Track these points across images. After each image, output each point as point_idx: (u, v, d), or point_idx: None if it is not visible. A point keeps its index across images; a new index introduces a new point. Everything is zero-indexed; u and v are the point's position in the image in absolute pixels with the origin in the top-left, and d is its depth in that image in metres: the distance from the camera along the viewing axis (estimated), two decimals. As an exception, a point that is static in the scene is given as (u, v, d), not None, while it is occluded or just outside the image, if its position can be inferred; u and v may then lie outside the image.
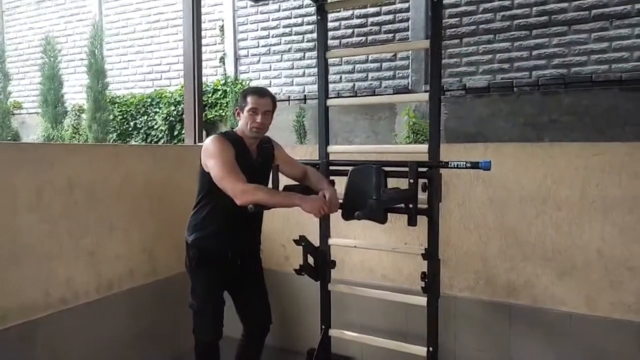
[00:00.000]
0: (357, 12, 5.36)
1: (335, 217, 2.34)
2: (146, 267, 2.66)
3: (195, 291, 2.21)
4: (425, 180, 2.11)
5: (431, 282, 2.16)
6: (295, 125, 5.37)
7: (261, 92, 2.15)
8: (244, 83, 5.98)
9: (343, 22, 5.43)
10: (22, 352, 2.06)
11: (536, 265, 2.31)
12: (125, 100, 6.71)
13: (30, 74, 7.66)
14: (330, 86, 4.85)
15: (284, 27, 5.80)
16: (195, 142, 3.25)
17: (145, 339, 2.62)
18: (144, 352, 2.62)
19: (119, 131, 6.66)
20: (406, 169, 2.09)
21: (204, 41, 3.95)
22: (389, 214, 2.15)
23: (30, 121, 7.54)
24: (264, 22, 5.93)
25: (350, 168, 2.27)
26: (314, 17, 2.56)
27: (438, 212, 2.18)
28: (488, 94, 4.70)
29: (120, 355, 2.48)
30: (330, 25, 3.05)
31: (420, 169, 2.10)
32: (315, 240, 2.44)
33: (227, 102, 5.98)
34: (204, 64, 3.79)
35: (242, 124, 2.14)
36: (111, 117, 6.55)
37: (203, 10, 4.19)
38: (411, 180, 2.06)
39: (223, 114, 6.02)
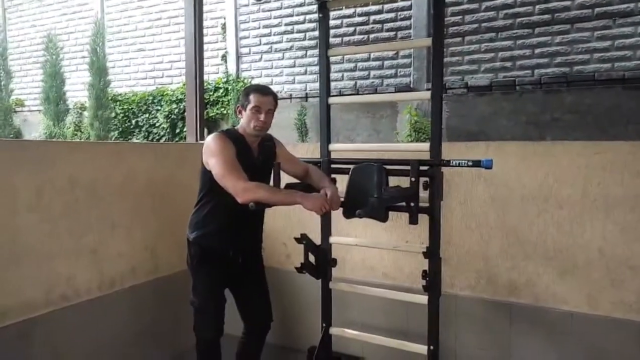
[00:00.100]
0: (359, 10, 5.35)
1: (337, 215, 2.34)
2: (148, 265, 2.67)
3: (196, 289, 2.21)
4: (427, 179, 2.11)
5: (432, 281, 2.16)
6: (297, 123, 5.37)
7: (264, 91, 2.15)
8: (245, 81, 5.98)
9: (345, 20, 5.42)
10: (22, 349, 2.07)
11: (537, 264, 2.31)
12: (127, 98, 6.71)
13: (33, 71, 7.67)
14: (332, 84, 4.83)
15: (286, 24, 5.80)
16: (197, 140, 3.25)
17: (146, 336, 2.63)
18: (145, 349, 2.62)
19: (120, 129, 6.67)
20: (408, 167, 2.08)
21: (205, 39, 3.95)
22: (390, 212, 2.15)
23: (32, 119, 7.55)
24: (265, 19, 5.93)
25: (351, 166, 2.27)
26: (316, 15, 2.55)
27: (439, 211, 2.17)
28: (490, 92, 4.70)
29: (122, 352, 2.49)
30: (332, 23, 3.04)
31: (421, 168, 2.10)
32: (317, 239, 2.44)
33: (228, 100, 5.98)
34: (205, 61, 3.80)
35: (245, 122, 2.14)
36: (113, 114, 6.55)
37: (205, 7, 4.20)
38: (412, 179, 2.06)
39: (225, 111, 6.02)
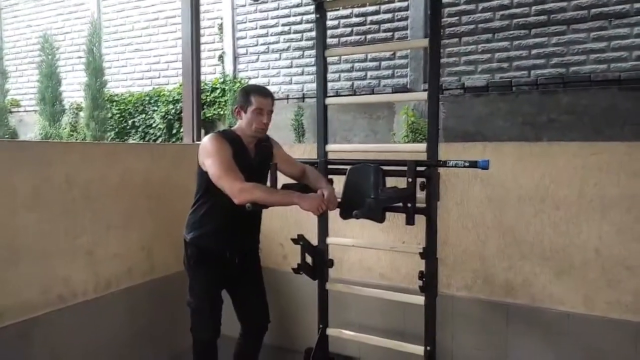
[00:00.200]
0: (356, 10, 5.35)
1: (334, 216, 2.34)
2: (144, 266, 2.66)
3: (193, 289, 2.21)
4: (424, 179, 2.11)
5: (429, 281, 2.16)
6: (294, 124, 5.37)
7: (265, 93, 2.14)
8: (242, 81, 5.97)
9: (342, 21, 5.42)
10: (21, 350, 2.06)
11: (534, 265, 2.31)
12: (124, 99, 6.70)
13: (28, 71, 7.65)
14: (329, 85, 4.86)
15: (283, 25, 5.80)
16: (193, 141, 3.24)
17: (143, 337, 2.62)
18: (142, 350, 2.62)
19: (117, 129, 6.65)
20: (404, 168, 2.08)
21: (202, 39, 3.95)
22: (387, 213, 2.15)
23: (28, 119, 7.52)
24: (263, 20, 5.92)
25: (348, 167, 2.27)
26: (313, 16, 2.55)
27: (436, 211, 2.18)
28: (487, 93, 4.70)
29: (119, 353, 2.48)
30: (329, 23, 3.04)
31: (418, 168, 2.09)
32: (314, 239, 2.44)
33: (225, 101, 5.97)
34: (202, 62, 3.79)
35: (245, 123, 2.13)
36: (109, 115, 6.54)
37: (202, 8, 4.19)
38: (409, 179, 2.06)
39: (222, 112, 6.01)
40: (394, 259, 2.62)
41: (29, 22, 7.71)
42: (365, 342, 2.46)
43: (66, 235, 2.25)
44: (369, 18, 5.32)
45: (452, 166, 2.06)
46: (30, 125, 7.35)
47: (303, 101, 5.64)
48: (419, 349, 2.22)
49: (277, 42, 5.85)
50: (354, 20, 5.38)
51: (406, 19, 5.11)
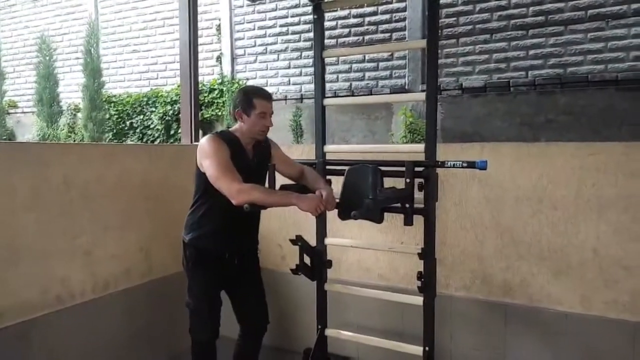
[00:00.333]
0: (354, 11, 5.36)
1: (332, 217, 2.34)
2: (142, 267, 2.65)
3: (192, 290, 2.20)
4: (422, 180, 2.11)
5: (427, 282, 2.17)
6: (292, 125, 5.37)
7: (268, 96, 2.15)
8: (240, 82, 5.97)
9: (340, 22, 5.42)
10: (19, 351, 2.06)
11: (532, 265, 2.31)
12: (121, 100, 6.68)
13: (26, 72, 7.63)
14: (327, 85, 4.85)
15: (281, 26, 5.80)
16: (191, 142, 3.24)
17: (141, 338, 2.62)
18: (140, 351, 2.61)
19: (114, 130, 6.64)
20: (403, 168, 2.09)
21: (200, 40, 3.95)
22: (385, 214, 2.15)
23: (26, 120, 7.50)
24: (260, 21, 5.92)
25: (346, 167, 2.27)
26: (311, 17, 2.55)
27: (434, 212, 2.18)
28: (484, 93, 4.71)
29: (117, 355, 2.47)
30: (327, 24, 3.04)
31: (416, 169, 2.10)
32: (312, 240, 2.44)
33: (223, 102, 5.96)
34: (200, 63, 3.78)
35: (248, 126, 2.13)
36: (107, 116, 6.52)
37: (199, 9, 4.18)
38: (407, 180, 2.06)
39: (219, 113, 6.01)
40: (392, 259, 2.62)
41: (26, 23, 7.69)
42: (364, 342, 2.46)
43: (64, 236, 2.25)
44: (367, 19, 5.32)
45: (450, 167, 2.07)
46: (27, 127, 7.33)
47: (301, 102, 5.64)
48: (418, 349, 2.22)
49: (275, 43, 5.85)
50: (352, 21, 5.39)
51: (404, 19, 5.11)
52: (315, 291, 2.52)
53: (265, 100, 2.13)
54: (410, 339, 2.34)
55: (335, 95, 5.35)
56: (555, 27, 4.47)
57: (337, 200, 2.18)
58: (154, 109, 6.34)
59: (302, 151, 2.79)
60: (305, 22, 5.60)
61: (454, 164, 2.05)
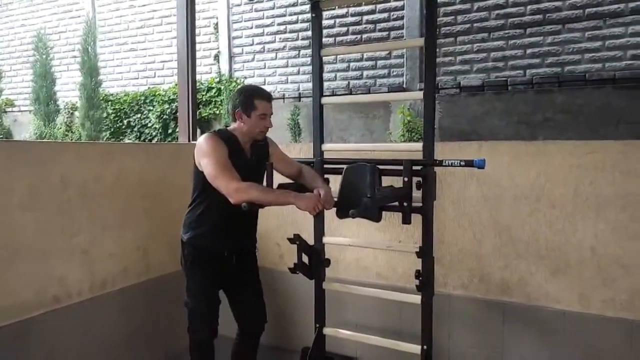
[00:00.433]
0: (351, 10, 5.35)
1: (330, 216, 2.34)
2: (140, 266, 2.65)
3: (190, 289, 2.20)
4: (420, 179, 2.11)
5: (425, 280, 2.17)
6: (290, 124, 5.37)
7: (268, 96, 2.15)
8: (238, 81, 5.96)
9: (338, 20, 5.42)
10: (16, 350, 2.05)
11: (530, 263, 2.32)
12: (119, 98, 6.67)
13: (23, 71, 7.61)
14: (325, 84, 4.86)
15: (279, 24, 5.79)
16: (189, 140, 3.24)
17: (139, 337, 2.61)
18: (138, 351, 2.61)
19: (112, 129, 6.63)
20: (401, 167, 2.08)
21: (198, 39, 3.93)
22: (383, 212, 2.15)
23: (23, 119, 7.48)
24: (258, 19, 5.91)
25: (344, 166, 2.27)
26: (309, 15, 2.54)
27: (432, 210, 2.18)
28: (482, 92, 4.72)
29: (115, 354, 2.47)
30: (325, 23, 3.04)
31: (414, 167, 2.10)
32: (310, 239, 2.43)
33: (221, 100, 5.96)
34: (198, 61, 3.78)
35: (249, 127, 2.13)
36: (104, 115, 6.51)
37: (197, 7, 4.17)
38: (405, 179, 2.06)
39: (217, 111, 6.00)
40: (390, 258, 2.62)
41: (23, 22, 7.67)
42: (362, 341, 2.46)
43: (62, 235, 2.24)
44: (365, 17, 5.32)
45: (448, 165, 2.07)
46: (24, 125, 7.31)
47: (299, 101, 5.63)
48: (416, 348, 2.22)
49: (273, 42, 5.84)
50: (350, 19, 5.38)
51: (402, 18, 5.11)
52: (313, 290, 2.52)
53: (266, 101, 2.13)
54: (408, 338, 2.34)
55: (334, 94, 5.35)
56: (553, 25, 4.48)
57: (335, 199, 2.18)
58: (151, 108, 6.33)
59: (300, 150, 2.79)
60: (303, 21, 5.60)
61: (451, 163, 2.05)
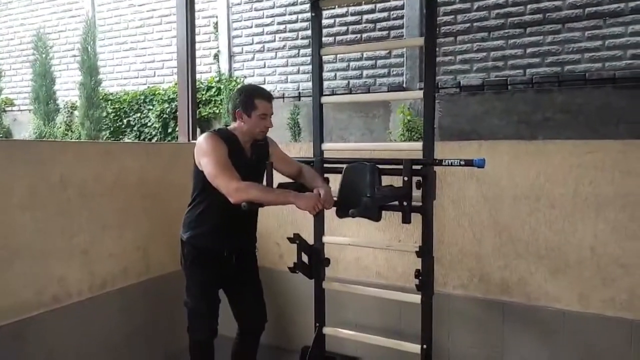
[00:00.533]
0: (351, 9, 5.35)
1: (330, 215, 2.34)
2: (140, 266, 2.65)
3: (190, 289, 2.20)
4: (420, 178, 2.11)
5: (425, 280, 2.17)
6: (290, 123, 5.36)
7: (269, 96, 2.15)
8: (238, 80, 5.96)
9: (337, 19, 5.41)
10: (16, 350, 2.05)
11: (530, 263, 2.32)
12: (119, 98, 6.67)
13: (22, 70, 7.60)
14: (325, 83, 4.85)
15: (279, 24, 5.78)
16: (189, 140, 3.23)
17: (139, 337, 2.61)
18: (138, 350, 2.61)
19: (112, 128, 6.62)
20: (400, 166, 2.08)
21: (197, 38, 3.93)
22: (383, 212, 2.15)
23: (22, 118, 7.48)
24: (258, 19, 5.91)
25: (344, 166, 2.27)
26: (309, 14, 2.54)
27: (432, 210, 2.18)
28: (482, 91, 4.71)
29: (114, 354, 2.47)
30: (324, 22, 3.03)
31: (414, 167, 2.10)
32: (310, 238, 2.43)
33: (221, 100, 5.95)
34: (198, 60, 3.78)
35: (249, 126, 2.13)
36: (104, 114, 6.50)
37: (197, 6, 4.17)
38: (405, 178, 2.06)
39: (217, 111, 6.00)
40: (390, 257, 2.62)
41: (22, 21, 7.66)
42: (362, 340, 2.46)
43: (62, 235, 2.24)
44: (365, 17, 5.31)
45: (448, 165, 2.07)
46: (24, 125, 7.31)
47: (299, 100, 5.63)
48: (416, 348, 2.22)
49: (273, 41, 5.84)
50: (350, 18, 5.38)
51: (402, 17, 5.11)
52: (313, 289, 2.52)
53: (267, 101, 2.13)
54: (408, 337, 2.34)
55: (333, 93, 5.34)
56: (553, 25, 4.48)
57: (335, 199, 2.18)
58: (151, 107, 6.33)
59: (300, 149, 2.78)
60: (303, 20, 5.59)
61: (451, 162, 2.05)
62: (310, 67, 2.72)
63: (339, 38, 5.42)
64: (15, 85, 7.78)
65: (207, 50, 6.24)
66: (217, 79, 6.08)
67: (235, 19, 6.05)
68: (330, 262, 2.51)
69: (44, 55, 6.70)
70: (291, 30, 5.72)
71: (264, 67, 5.92)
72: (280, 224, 2.88)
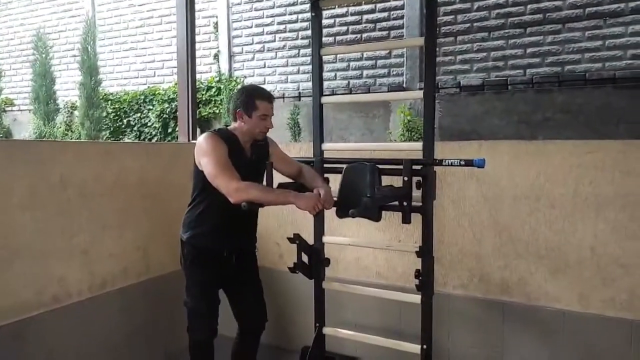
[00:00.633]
0: (351, 9, 5.35)
1: (330, 215, 2.34)
2: (140, 266, 2.65)
3: (190, 289, 2.20)
4: (420, 178, 2.11)
5: (425, 280, 2.17)
6: (290, 123, 5.36)
7: (270, 98, 2.16)
8: (238, 80, 5.96)
9: (338, 19, 5.41)
10: (15, 350, 2.05)
11: (530, 263, 2.32)
12: (119, 98, 6.67)
13: (22, 70, 7.60)
14: (325, 83, 4.85)
15: (279, 24, 5.78)
16: (189, 140, 3.23)
17: (139, 337, 2.61)
18: (137, 350, 2.61)
19: (112, 128, 6.62)
20: (400, 166, 2.08)
21: (197, 38, 3.94)
22: (383, 212, 2.15)
23: (22, 118, 7.48)
24: (258, 19, 5.91)
25: (344, 166, 2.27)
26: (309, 14, 2.54)
27: (432, 210, 2.18)
28: (482, 91, 4.71)
29: (114, 353, 2.47)
30: (324, 22, 3.03)
31: (414, 167, 2.10)
32: (310, 238, 2.43)
33: (221, 99, 5.95)
34: (198, 60, 3.78)
35: (249, 127, 2.13)
36: (104, 114, 6.50)
37: (197, 6, 4.16)
38: (405, 178, 2.06)
39: (217, 111, 6.00)
40: (390, 257, 2.62)
41: (22, 20, 7.66)
42: (362, 340, 2.46)
43: (62, 235, 2.24)
44: (365, 17, 5.31)
45: (448, 165, 2.06)
46: (24, 125, 7.31)
47: (299, 100, 5.63)
48: (416, 348, 2.22)
49: (273, 41, 5.84)
50: (350, 18, 5.38)
51: (402, 17, 5.11)
52: (313, 289, 2.52)
53: (268, 102, 2.13)
54: (408, 337, 2.34)
55: (333, 93, 5.34)
56: (553, 25, 4.48)
57: (335, 199, 2.18)
58: (151, 107, 6.33)
59: (300, 149, 2.78)
60: (303, 20, 5.59)
61: (451, 162, 2.05)
62: (310, 67, 2.72)
63: (339, 38, 5.42)
64: (15, 85, 7.78)
65: (207, 50, 6.25)
66: (217, 79, 6.08)
67: (235, 19, 6.05)
68: (330, 262, 2.51)
69: (44, 55, 6.70)
70: (291, 30, 5.72)
71: (264, 67, 5.92)
72: (280, 224, 2.87)
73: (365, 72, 5.36)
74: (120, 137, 6.59)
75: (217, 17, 6.17)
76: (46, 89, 6.69)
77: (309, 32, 5.22)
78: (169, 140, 5.98)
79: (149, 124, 6.32)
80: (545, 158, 2.26)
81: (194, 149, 2.10)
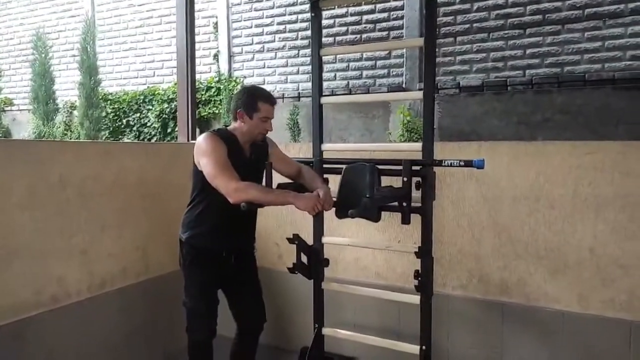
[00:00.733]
0: (351, 9, 5.35)
1: (329, 216, 2.33)
2: (139, 266, 2.64)
3: (189, 289, 2.19)
4: (419, 179, 2.11)
5: (424, 280, 2.17)
6: (289, 123, 5.36)
7: (272, 100, 2.15)
8: (238, 80, 5.96)
9: (337, 20, 5.42)
10: (15, 350, 2.04)
11: (529, 264, 2.32)
12: (118, 97, 6.66)
13: (22, 70, 7.59)
14: (325, 84, 4.84)
15: (278, 24, 5.79)
16: (188, 140, 3.23)
17: (138, 337, 2.61)
18: (137, 350, 2.60)
19: (111, 128, 6.62)
20: (400, 167, 2.08)
21: (197, 38, 3.93)
22: (382, 212, 2.15)
23: (22, 118, 7.47)
24: (258, 19, 5.91)
25: (344, 166, 2.27)
26: (308, 15, 2.54)
27: (431, 211, 2.18)
28: (482, 92, 4.72)
29: (113, 354, 2.47)
30: (324, 22, 3.03)
31: (414, 167, 2.10)
32: (309, 239, 2.43)
33: (220, 100, 5.95)
34: (197, 60, 3.77)
35: (249, 128, 2.13)
36: (103, 114, 6.50)
37: (196, 6, 4.17)
38: (405, 179, 2.06)
39: (217, 111, 6.00)
40: (389, 258, 2.62)
41: (22, 20, 7.66)
42: (361, 341, 2.46)
43: (61, 235, 2.23)
44: (365, 17, 5.32)
45: (447, 165, 2.07)
46: (23, 124, 7.30)
47: (299, 100, 5.63)
48: (415, 348, 2.22)
49: (273, 41, 5.84)
50: (350, 19, 5.38)
51: (402, 18, 5.11)
52: (312, 290, 2.52)
53: (270, 105, 2.13)
54: (407, 338, 2.34)
55: (333, 94, 5.34)
56: (552, 26, 4.48)
57: (335, 199, 2.18)
58: (150, 107, 6.32)
59: (300, 150, 2.78)
60: (303, 20, 5.59)
61: (451, 163, 2.05)
62: (310, 67, 2.72)
63: (338, 38, 5.42)
64: (14, 85, 7.77)
65: (207, 50, 6.24)
66: (217, 79, 6.08)
67: (235, 19, 6.05)
68: (329, 262, 2.51)
69: (43, 55, 6.70)
70: (291, 31, 5.72)
71: (264, 67, 5.92)
72: (280, 224, 2.87)
73: (364, 73, 5.36)
74: (120, 137, 6.59)
75: (216, 17, 6.17)
76: (45, 88, 6.69)
77: (308, 33, 5.22)
78: (168, 140, 5.98)
79: (149, 124, 6.32)
80: (545, 159, 2.26)
81: (193, 149, 2.09)
